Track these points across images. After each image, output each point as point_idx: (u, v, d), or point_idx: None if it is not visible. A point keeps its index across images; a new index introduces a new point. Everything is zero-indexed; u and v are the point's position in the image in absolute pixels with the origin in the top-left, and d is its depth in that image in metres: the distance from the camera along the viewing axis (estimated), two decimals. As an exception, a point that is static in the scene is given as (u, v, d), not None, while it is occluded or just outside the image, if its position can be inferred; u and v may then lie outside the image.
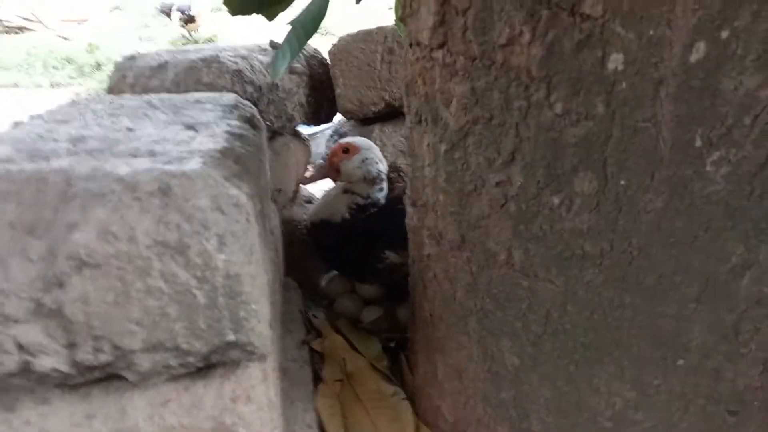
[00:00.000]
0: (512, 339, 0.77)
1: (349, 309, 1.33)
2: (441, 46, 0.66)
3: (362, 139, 1.27)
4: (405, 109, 0.80)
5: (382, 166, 1.25)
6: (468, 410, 0.87)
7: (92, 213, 0.53)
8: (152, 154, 0.63)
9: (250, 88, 1.27)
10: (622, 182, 0.61)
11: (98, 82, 4.71)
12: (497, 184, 0.68)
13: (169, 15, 6.07)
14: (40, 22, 6.40)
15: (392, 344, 1.15)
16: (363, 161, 1.22)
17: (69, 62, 5.07)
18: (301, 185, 1.68)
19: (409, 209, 0.88)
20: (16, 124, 0.80)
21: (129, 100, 1.03)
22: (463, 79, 0.65)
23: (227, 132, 0.75)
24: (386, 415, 0.99)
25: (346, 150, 1.22)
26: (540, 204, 0.67)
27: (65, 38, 5.97)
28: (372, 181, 1.23)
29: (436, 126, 0.71)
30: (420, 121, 0.75)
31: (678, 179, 0.59)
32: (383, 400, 1.01)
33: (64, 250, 0.53)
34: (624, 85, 0.57)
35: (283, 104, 1.35)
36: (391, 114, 1.49)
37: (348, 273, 1.38)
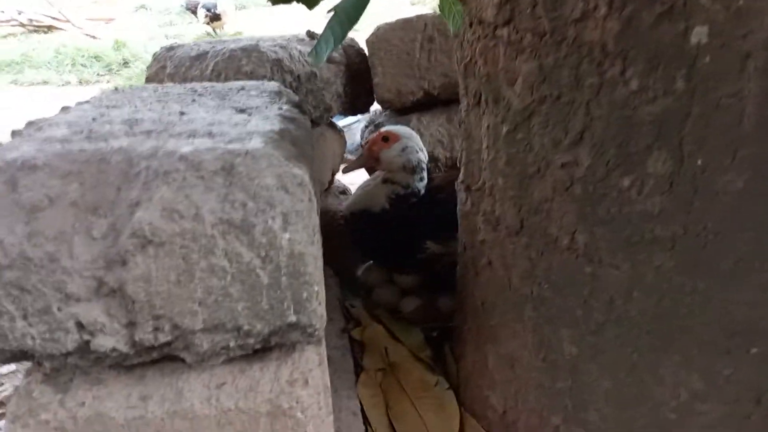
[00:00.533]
0: (571, 327, 0.75)
1: (387, 299, 1.31)
2: (507, 23, 0.64)
3: (403, 127, 1.24)
4: (461, 91, 0.78)
5: (423, 156, 1.23)
6: (520, 400, 0.85)
7: (156, 191, 0.52)
8: (211, 134, 0.62)
9: (289, 78, 1.26)
10: (699, 162, 0.58)
11: (126, 78, 4.76)
12: (563, 165, 0.66)
13: (194, 12, 6.12)
14: (69, 21, 6.49)
15: (434, 334, 1.13)
16: (403, 150, 1.20)
17: (97, 60, 5.13)
18: (335, 176, 1.67)
19: (461, 194, 0.86)
20: (65, 109, 0.80)
21: (173, 87, 1.03)
22: (531, 56, 0.63)
23: (280, 115, 0.74)
24: (431, 405, 0.97)
25: (386, 138, 1.20)
26: (608, 186, 0.64)
27: (93, 37, 6.05)
28: (412, 170, 1.21)
29: (497, 106, 0.69)
30: (479, 103, 0.73)
31: (762, 158, 0.56)
32: (427, 389, 0.99)
33: (127, 229, 0.52)
34: (708, 58, 0.54)
35: (321, 94, 1.34)
36: (429, 103, 1.47)
37: (386, 263, 1.36)
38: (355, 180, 1.97)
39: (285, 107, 0.79)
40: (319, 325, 0.58)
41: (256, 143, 0.56)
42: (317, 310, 0.57)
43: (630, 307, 0.69)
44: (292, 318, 0.56)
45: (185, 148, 0.55)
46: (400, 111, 1.52)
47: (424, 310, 1.22)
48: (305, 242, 0.55)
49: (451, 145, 1.46)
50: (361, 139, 1.65)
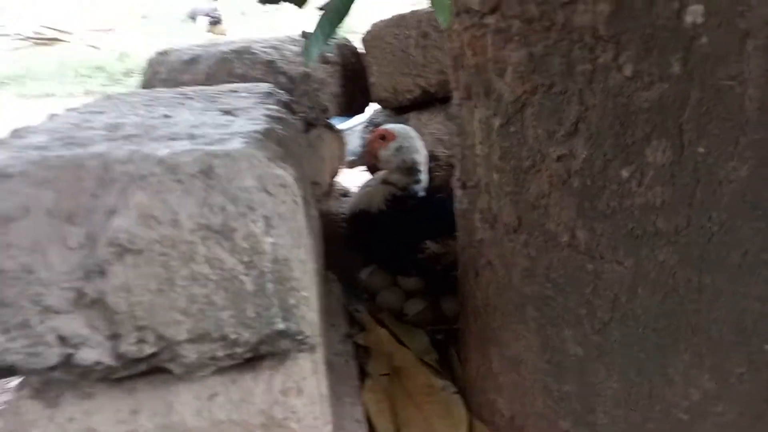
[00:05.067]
0: (575, 327, 0.72)
1: (392, 302, 1.29)
2: (494, 10, 0.61)
3: (402, 126, 1.22)
4: (452, 85, 0.76)
5: (420, 156, 1.20)
6: (527, 404, 0.82)
7: (132, 197, 0.50)
8: (192, 137, 0.60)
9: (282, 79, 1.24)
10: (701, 150, 0.56)
11: (129, 88, 4.77)
12: (559, 158, 0.63)
13: (195, 20, 6.13)
14: (70, 33, 6.53)
15: (440, 337, 1.11)
16: (398, 149, 1.18)
17: (100, 70, 5.16)
18: (335, 179, 1.65)
19: (457, 192, 0.84)
20: (52, 116, 0.79)
21: (163, 92, 1.01)
22: (519, 44, 0.60)
23: (266, 115, 0.72)
24: (438, 410, 0.94)
25: (383, 137, 1.18)
26: (607, 178, 0.61)
27: (95, 47, 6.08)
28: (408, 171, 1.18)
29: (488, 99, 0.66)
30: (470, 96, 0.70)
31: (766, 144, 0.53)
32: (434, 394, 0.97)
33: (104, 237, 0.50)
34: (704, 39, 0.51)
35: (317, 95, 1.32)
36: (427, 101, 1.44)
37: (387, 265, 1.34)
38: (358, 182, 1.95)
39: (273, 107, 0.77)
40: (309, 332, 0.55)
41: (236, 144, 0.54)
42: (307, 317, 0.55)
43: (635, 305, 0.67)
44: (281, 325, 0.54)
45: (162, 150, 0.53)
46: (397, 110, 1.49)
47: (428, 312, 1.20)
48: (290, 246, 0.52)
49: (451, 144, 1.44)
50: (362, 139, 1.63)
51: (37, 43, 6.33)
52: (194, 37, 6.14)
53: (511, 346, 0.81)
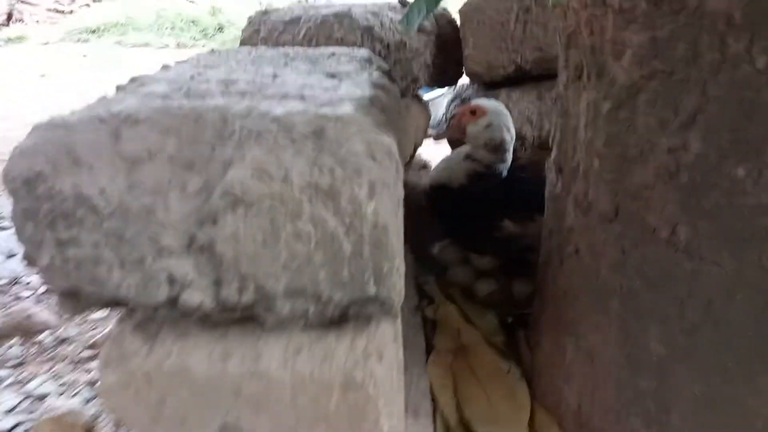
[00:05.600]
0: (662, 325, 0.70)
1: (462, 279, 1.29)
2: (620, -10, 0.59)
3: (495, 102, 1.20)
4: (561, 64, 0.74)
5: (509, 136, 1.18)
6: (597, 397, 0.81)
7: (248, 151, 0.52)
8: (302, 98, 0.61)
9: (379, 46, 1.25)
10: (833, 155, 0.52)
11: (220, 43, 4.91)
12: (669, 150, 0.61)
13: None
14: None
15: (509, 320, 1.11)
16: (488, 126, 1.16)
17: (194, 24, 5.33)
18: (417, 150, 1.65)
19: (552, 175, 0.82)
20: (165, 67, 0.83)
21: (266, 51, 1.04)
22: (643, 27, 0.58)
23: (370, 81, 0.72)
24: (501, 392, 0.95)
25: (474, 112, 1.17)
26: (720, 175, 0.59)
27: (191, 1, 6.28)
28: (494, 148, 1.17)
29: (600, 81, 0.64)
30: (580, 77, 0.68)
31: None
32: (498, 376, 0.97)
33: (219, 187, 0.53)
34: None
35: (410, 64, 1.31)
36: (520, 78, 1.41)
37: (463, 241, 1.34)
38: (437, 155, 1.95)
39: (375, 74, 0.77)
40: (397, 299, 0.57)
41: (346, 108, 0.55)
42: (396, 285, 0.56)
43: (731, 310, 0.64)
44: (372, 290, 0.55)
45: (278, 109, 0.55)
46: (488, 85, 1.47)
47: (499, 294, 1.20)
48: (390, 213, 0.54)
49: (540, 124, 1.40)
50: (446, 112, 1.62)
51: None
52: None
53: (588, 336, 0.79)
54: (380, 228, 0.53)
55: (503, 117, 1.18)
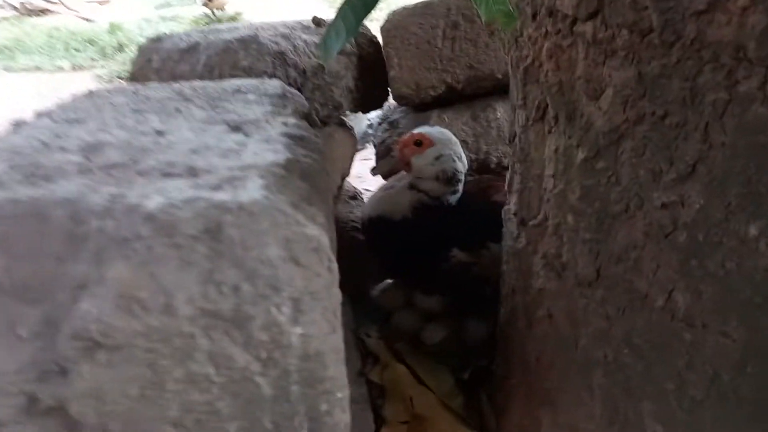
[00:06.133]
0: (657, 402, 0.59)
1: (408, 325, 1.15)
2: (593, 15, 0.47)
3: (440, 130, 1.06)
4: (516, 101, 0.61)
5: (461, 165, 1.05)
6: (582, 480, 0.69)
7: (110, 268, 0.36)
8: (192, 172, 0.45)
9: (293, 72, 1.09)
10: None
11: (120, 63, 4.55)
12: (663, 205, 0.49)
13: (192, -7, 5.87)
14: (62, 3, 6.27)
15: (466, 376, 0.97)
16: (437, 158, 1.02)
17: (91, 44, 4.92)
18: (345, 180, 1.50)
19: (512, 228, 0.69)
20: (17, 126, 0.64)
21: (156, 90, 0.86)
22: (626, 61, 0.46)
23: (285, 134, 0.57)
24: (466, 470, 0.82)
25: (419, 142, 1.02)
26: (727, 233, 0.48)
27: (88, 20, 5.83)
28: (447, 181, 1.03)
29: (571, 125, 0.52)
30: (542, 117, 0.56)
31: None
32: (462, 449, 0.84)
33: (68, 325, 0.36)
34: None
35: (330, 90, 1.17)
36: (452, 99, 1.29)
37: (407, 279, 1.20)
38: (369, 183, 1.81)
39: (291, 121, 0.62)
40: (344, 443, 0.42)
41: (253, 189, 0.40)
42: (341, 423, 0.41)
43: (740, 384, 0.53)
44: (307, 440, 0.40)
45: (153, 199, 0.38)
46: (418, 107, 1.34)
47: (451, 341, 1.06)
48: (324, 335, 0.39)
49: (477, 146, 1.29)
50: (373, 134, 1.48)
51: (27, 14, 6.08)
52: (190, 11, 5.91)
53: (569, 411, 0.68)
54: (312, 357, 0.38)
55: (453, 145, 1.05)
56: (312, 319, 0.38)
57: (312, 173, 0.52)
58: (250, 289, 0.36)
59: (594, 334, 0.60)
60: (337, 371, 0.39)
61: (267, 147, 0.51)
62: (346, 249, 1.35)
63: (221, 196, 0.39)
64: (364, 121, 2.67)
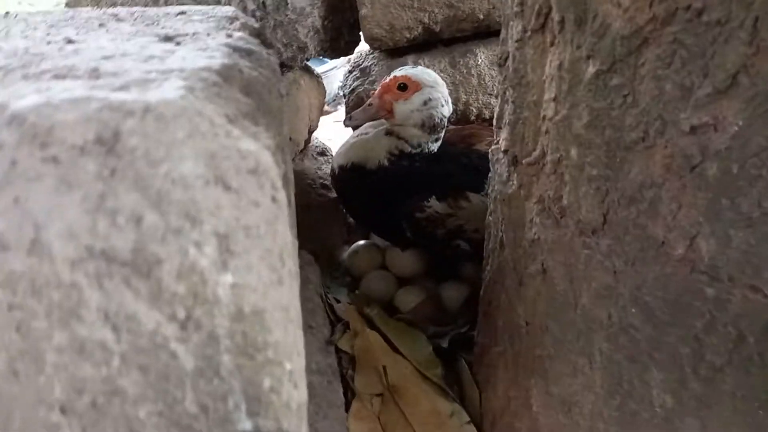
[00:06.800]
0: (668, 370, 0.51)
1: (380, 289, 1.06)
2: None
3: (424, 71, 0.94)
4: (511, 9, 0.51)
5: (447, 110, 0.95)
6: (576, 456, 0.62)
7: (-47, 190, 0.25)
8: (95, 74, 0.34)
9: (251, 5, 0.97)
10: None
11: (55, 4, 4.30)
12: (692, 129, 0.40)
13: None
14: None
15: (444, 344, 0.89)
16: (425, 102, 0.91)
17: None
18: (312, 134, 1.39)
19: (501, 168, 0.60)
20: None
21: (86, 12, 0.73)
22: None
23: (227, 45, 0.46)
24: (445, 444, 0.74)
25: (403, 86, 0.91)
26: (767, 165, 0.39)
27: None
28: (432, 128, 0.93)
29: (581, 31, 0.42)
30: (543, 27, 0.46)
31: None
32: (440, 423, 0.76)
33: None
34: None
35: (294, 28, 1.05)
36: (429, 42, 1.18)
37: (381, 233, 1.10)
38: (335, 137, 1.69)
39: (237, 34, 0.51)
40: (295, 427, 0.32)
41: (169, 89, 0.29)
42: (291, 402, 0.31)
43: (768, 347, 0.46)
44: (246, 425, 0.30)
45: (27, 99, 0.27)
46: (392, 52, 1.23)
47: (427, 306, 0.98)
48: (265, 285, 0.29)
49: (456, 95, 1.19)
50: (343, 86, 1.36)
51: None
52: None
53: (562, 381, 0.59)
54: (248, 317, 0.28)
55: (441, 87, 0.94)
56: (247, 264, 0.27)
57: (260, 90, 0.41)
58: (157, 221, 0.26)
59: (596, 292, 0.52)
60: (284, 335, 0.30)
61: (201, 54, 0.40)
62: (313, 208, 1.25)
63: (123, 95, 0.28)
64: (335, 82, 2.53)
